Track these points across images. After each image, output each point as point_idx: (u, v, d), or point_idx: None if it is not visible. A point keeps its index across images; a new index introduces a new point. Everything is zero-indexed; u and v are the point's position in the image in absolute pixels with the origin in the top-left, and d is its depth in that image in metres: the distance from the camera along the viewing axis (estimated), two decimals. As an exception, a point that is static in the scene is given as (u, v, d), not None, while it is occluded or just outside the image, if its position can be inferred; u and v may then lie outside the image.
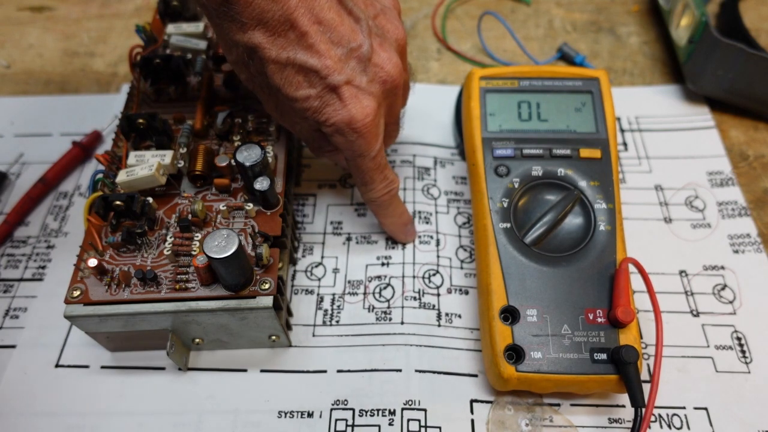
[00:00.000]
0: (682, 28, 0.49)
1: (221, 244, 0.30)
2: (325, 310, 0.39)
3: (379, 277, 0.40)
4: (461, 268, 0.41)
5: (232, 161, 0.36)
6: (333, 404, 0.35)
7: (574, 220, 0.36)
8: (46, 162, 0.46)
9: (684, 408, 0.35)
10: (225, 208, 0.35)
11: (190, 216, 0.35)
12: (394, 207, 0.39)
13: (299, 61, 0.30)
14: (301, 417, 0.35)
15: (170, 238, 0.35)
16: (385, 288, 0.40)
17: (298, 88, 0.31)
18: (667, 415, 0.35)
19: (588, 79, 0.41)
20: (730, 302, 0.39)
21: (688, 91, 0.50)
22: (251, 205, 0.36)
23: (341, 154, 0.38)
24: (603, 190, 0.37)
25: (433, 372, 0.36)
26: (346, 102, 0.32)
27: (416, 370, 0.36)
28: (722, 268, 0.40)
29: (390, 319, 0.39)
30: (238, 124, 0.39)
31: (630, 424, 0.34)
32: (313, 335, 0.38)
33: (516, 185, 0.37)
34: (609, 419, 0.35)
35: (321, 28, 0.30)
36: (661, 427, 0.34)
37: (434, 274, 0.41)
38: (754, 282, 0.40)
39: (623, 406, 0.35)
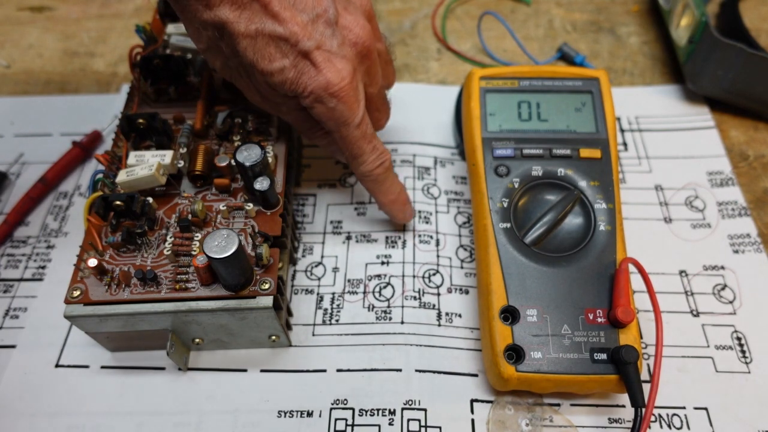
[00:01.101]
0: (682, 28, 0.49)
1: (221, 244, 0.30)
2: (325, 310, 0.39)
3: (379, 276, 0.40)
4: (461, 267, 0.41)
5: (232, 161, 0.36)
6: (333, 404, 0.35)
7: (574, 220, 0.36)
8: (46, 162, 0.46)
9: (684, 408, 0.35)
10: (225, 208, 0.35)
11: (190, 216, 0.35)
12: (390, 182, 0.38)
13: (268, 31, 0.31)
14: (301, 417, 0.35)
15: (170, 238, 0.35)
16: (385, 287, 0.40)
17: (272, 61, 0.31)
18: (667, 415, 0.35)
19: (588, 79, 0.41)
20: (730, 302, 0.39)
21: (688, 91, 0.50)
22: (251, 205, 0.36)
23: (332, 136, 0.37)
24: (603, 190, 0.37)
25: (433, 372, 0.36)
26: (320, 67, 0.32)
27: (416, 370, 0.36)
28: (722, 268, 0.40)
29: (390, 319, 0.39)
30: (238, 124, 0.39)
31: (630, 424, 0.34)
32: (313, 335, 0.38)
33: (516, 185, 0.37)
34: (609, 419, 0.35)
35: None
36: (661, 427, 0.34)
37: (434, 274, 0.41)
38: (754, 282, 0.40)
39: (623, 406, 0.35)
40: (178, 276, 0.33)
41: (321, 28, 0.32)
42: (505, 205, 0.37)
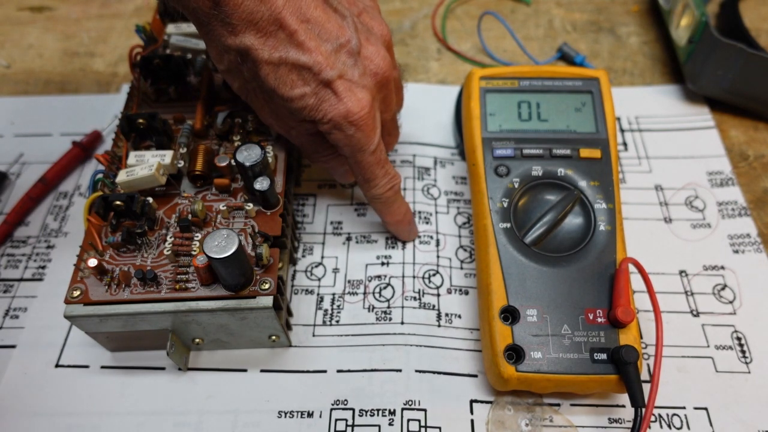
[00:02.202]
0: (682, 28, 0.49)
1: (221, 244, 0.30)
2: (325, 310, 0.39)
3: (379, 276, 0.40)
4: (461, 268, 0.41)
5: (232, 161, 0.36)
6: (333, 404, 0.35)
7: (574, 220, 0.36)
8: (46, 162, 0.46)
9: (684, 408, 0.35)
10: (225, 208, 0.35)
11: (190, 216, 0.35)
12: (398, 204, 0.39)
13: (291, 60, 0.31)
14: (301, 417, 0.35)
15: (170, 238, 0.35)
16: (385, 288, 0.40)
17: (293, 87, 0.32)
18: (667, 415, 0.35)
19: (588, 79, 0.41)
20: (730, 302, 0.39)
21: (688, 91, 0.50)
22: (251, 205, 0.36)
23: (337, 159, 0.38)
24: (603, 190, 0.37)
25: (433, 372, 0.36)
26: (341, 96, 0.32)
27: (416, 370, 0.36)
28: (722, 268, 0.40)
29: (390, 319, 0.39)
30: (238, 124, 0.39)
31: (630, 424, 0.34)
32: (313, 335, 0.38)
33: (516, 185, 0.37)
34: (609, 419, 0.35)
35: (309, 26, 0.31)
36: (661, 427, 0.34)
37: (434, 274, 0.41)
38: (754, 282, 0.40)
39: (623, 406, 0.35)
40: (178, 276, 0.33)
41: (343, 58, 0.32)
42: (505, 205, 0.37)
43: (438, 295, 0.40)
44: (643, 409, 0.31)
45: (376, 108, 0.34)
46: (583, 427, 0.34)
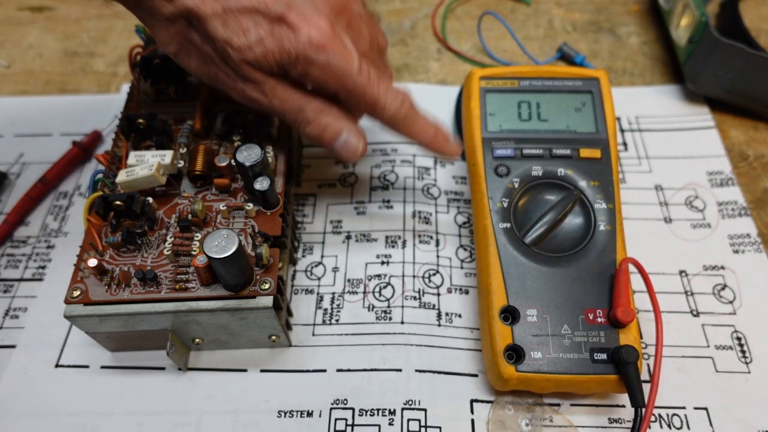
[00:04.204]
0: (682, 28, 0.49)
1: (221, 244, 0.30)
2: (325, 310, 0.39)
3: (378, 276, 0.40)
4: (461, 267, 0.41)
5: (232, 161, 0.36)
6: (333, 404, 0.35)
7: (574, 220, 0.36)
8: (46, 162, 0.46)
9: (684, 408, 0.35)
10: (225, 208, 0.35)
11: (190, 216, 0.35)
12: (423, 121, 0.36)
13: (234, 6, 0.30)
14: (301, 416, 0.35)
15: (170, 238, 0.35)
16: (385, 287, 0.40)
17: (246, 34, 0.31)
18: (667, 415, 0.35)
19: (588, 79, 0.41)
20: (730, 302, 0.39)
21: (688, 91, 0.50)
22: (251, 205, 0.36)
23: (330, 113, 0.34)
24: (603, 190, 0.37)
25: (433, 372, 0.36)
26: (297, 26, 0.31)
27: (416, 370, 0.36)
28: (722, 268, 0.40)
29: (390, 319, 0.39)
30: (238, 124, 0.39)
31: (630, 424, 0.34)
32: (313, 335, 0.38)
33: (516, 185, 0.37)
34: (609, 419, 0.35)
35: None
36: (661, 427, 0.34)
37: (434, 274, 0.41)
38: (754, 282, 0.40)
39: (623, 406, 0.35)
40: (178, 276, 0.33)
41: None
42: (505, 205, 0.37)
43: (438, 294, 0.40)
44: (643, 409, 0.31)
45: (340, 32, 0.32)
46: (583, 427, 0.34)
